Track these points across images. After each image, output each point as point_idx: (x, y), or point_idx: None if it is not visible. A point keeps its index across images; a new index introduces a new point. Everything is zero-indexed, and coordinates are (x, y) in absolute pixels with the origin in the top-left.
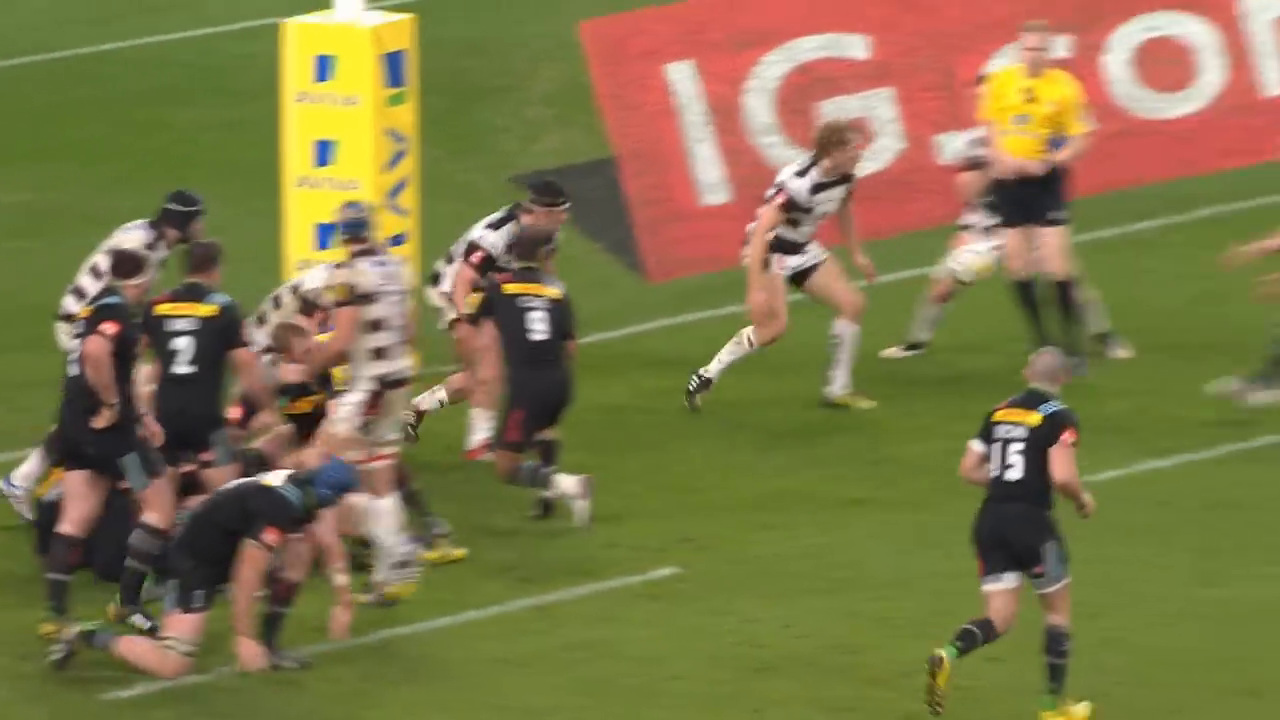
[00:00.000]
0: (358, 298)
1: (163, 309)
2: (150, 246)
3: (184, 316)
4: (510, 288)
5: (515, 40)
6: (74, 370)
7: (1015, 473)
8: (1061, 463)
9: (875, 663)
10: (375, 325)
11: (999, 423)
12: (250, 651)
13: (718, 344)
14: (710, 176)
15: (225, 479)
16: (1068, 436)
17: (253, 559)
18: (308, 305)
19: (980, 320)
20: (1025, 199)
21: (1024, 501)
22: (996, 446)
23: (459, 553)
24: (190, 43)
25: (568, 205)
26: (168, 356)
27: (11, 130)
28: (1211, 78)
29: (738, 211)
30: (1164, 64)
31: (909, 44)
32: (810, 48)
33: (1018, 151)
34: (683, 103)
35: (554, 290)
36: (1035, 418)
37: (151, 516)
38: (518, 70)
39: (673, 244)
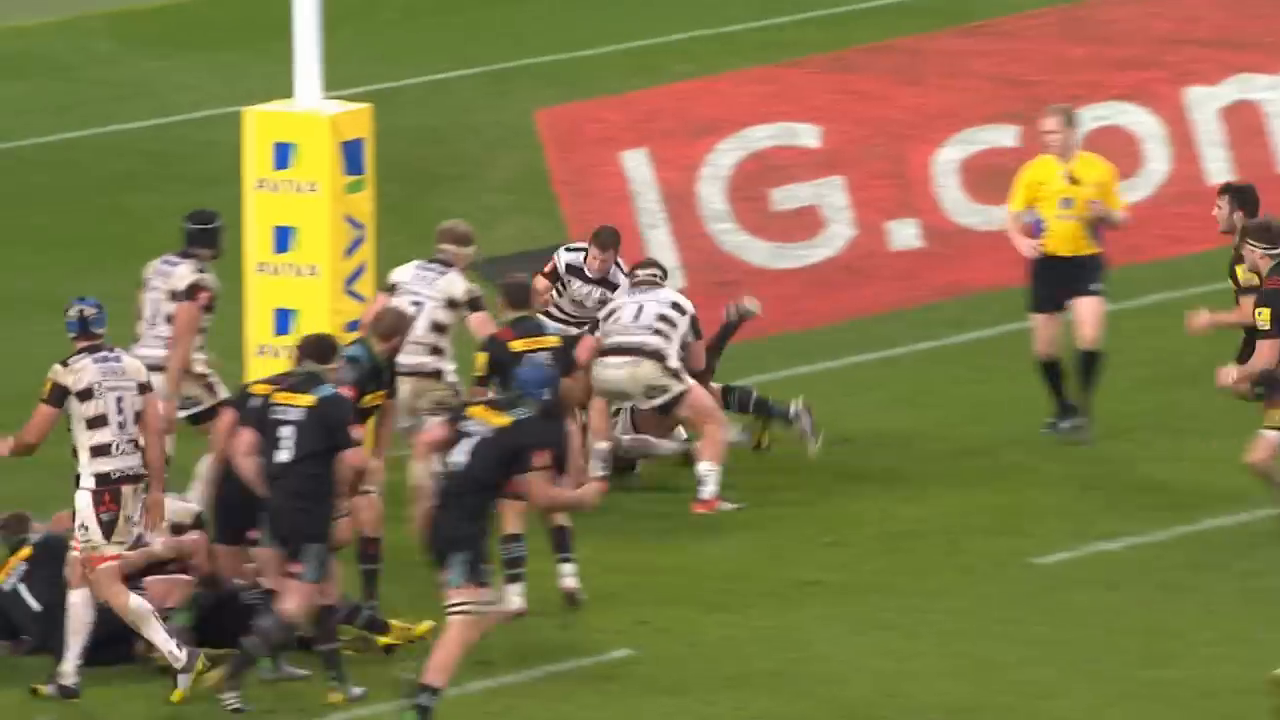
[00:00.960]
0: (75, 393)
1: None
2: (201, 271)
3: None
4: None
5: (470, 128)
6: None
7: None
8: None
9: None
10: (94, 422)
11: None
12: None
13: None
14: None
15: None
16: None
17: (537, 483)
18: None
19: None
20: (1063, 281)
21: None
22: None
23: (422, 627)
24: (151, 131)
25: None
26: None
27: None
28: (1157, 166)
29: (691, 297)
30: (1111, 153)
31: (859, 133)
32: (762, 136)
33: (1064, 236)
34: (637, 189)
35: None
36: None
37: (290, 606)
38: (474, 157)
39: None
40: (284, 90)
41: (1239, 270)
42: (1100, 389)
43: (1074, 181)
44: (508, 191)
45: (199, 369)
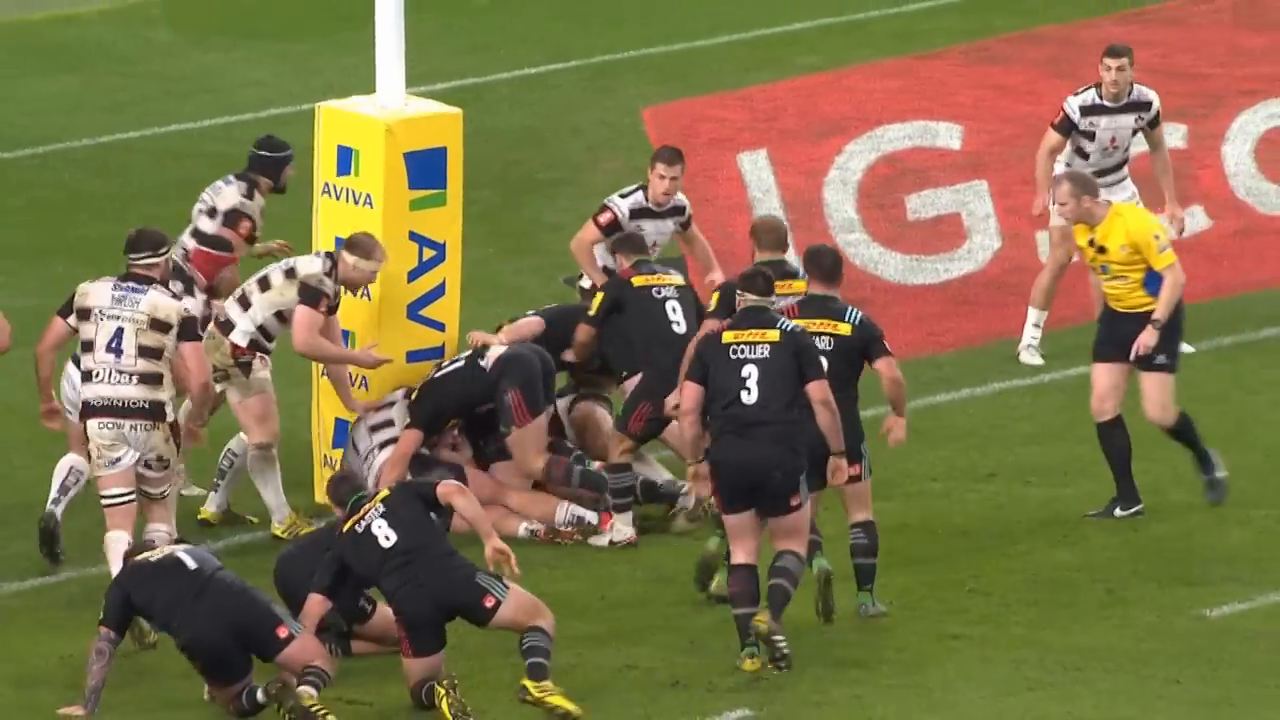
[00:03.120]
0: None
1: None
2: (248, 197)
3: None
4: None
5: (570, 127)
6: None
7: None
8: None
9: None
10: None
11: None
12: None
13: None
14: None
15: None
16: None
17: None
18: (308, 290)
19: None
20: (1126, 335)
21: None
22: None
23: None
24: (216, 131)
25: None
26: None
27: (18, 228)
28: None
29: None
30: None
31: (1005, 132)
32: (897, 136)
33: (1115, 297)
34: (756, 195)
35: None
36: None
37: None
38: (574, 161)
39: None
40: (364, 85)
41: None
42: (1274, 419)
43: (1102, 251)
44: None
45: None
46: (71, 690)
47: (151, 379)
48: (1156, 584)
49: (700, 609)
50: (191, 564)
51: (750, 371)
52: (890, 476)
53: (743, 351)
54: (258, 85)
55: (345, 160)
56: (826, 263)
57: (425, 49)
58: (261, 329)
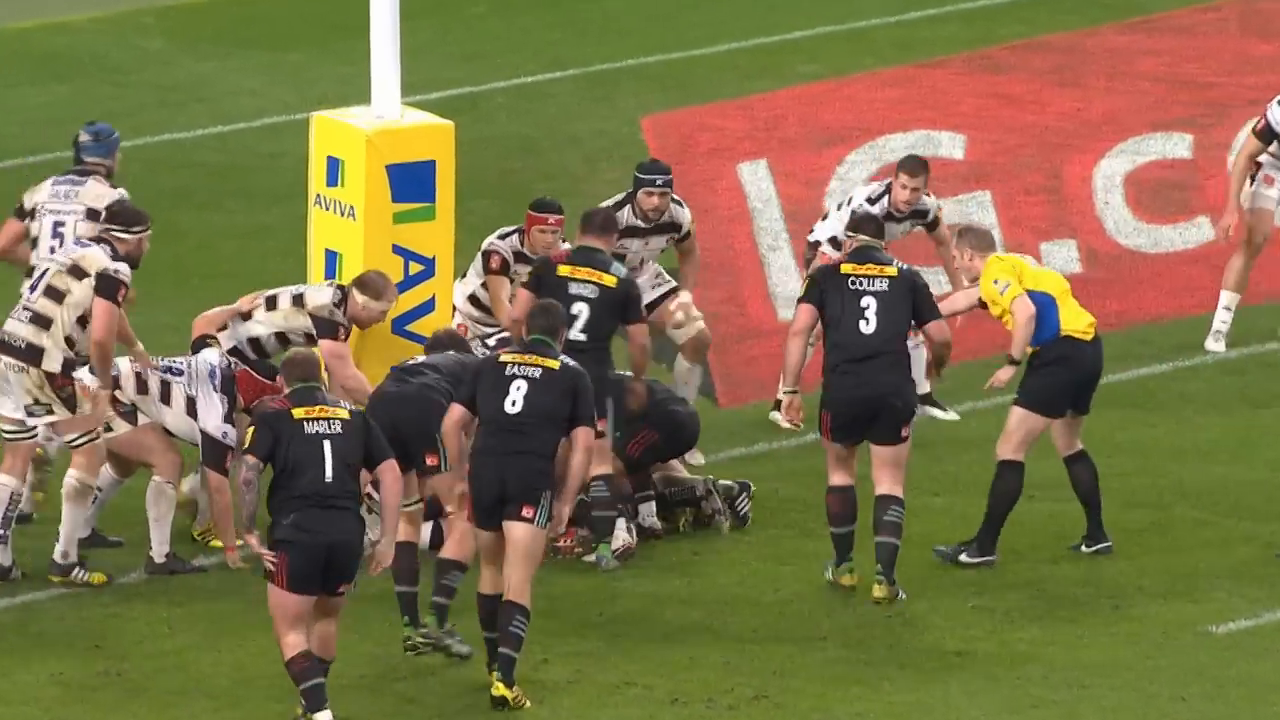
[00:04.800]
0: (26, 208)
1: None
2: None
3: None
4: None
5: (568, 137)
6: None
7: None
8: None
9: None
10: (34, 243)
11: None
12: None
13: (793, 479)
14: (787, 288)
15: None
16: None
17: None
18: (324, 324)
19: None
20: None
21: None
22: None
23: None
24: (209, 140)
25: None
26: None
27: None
28: None
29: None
30: None
31: (1009, 142)
32: (899, 145)
33: None
34: (756, 205)
35: None
36: None
37: None
38: (572, 171)
39: (745, 364)
40: (360, 95)
41: None
42: None
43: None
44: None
45: None
46: (60, 709)
47: (41, 321)
48: (1162, 600)
49: (698, 627)
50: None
51: (870, 303)
52: None
53: (861, 284)
54: (252, 95)
55: (333, 171)
56: (598, 219)
57: (421, 58)
58: (249, 344)
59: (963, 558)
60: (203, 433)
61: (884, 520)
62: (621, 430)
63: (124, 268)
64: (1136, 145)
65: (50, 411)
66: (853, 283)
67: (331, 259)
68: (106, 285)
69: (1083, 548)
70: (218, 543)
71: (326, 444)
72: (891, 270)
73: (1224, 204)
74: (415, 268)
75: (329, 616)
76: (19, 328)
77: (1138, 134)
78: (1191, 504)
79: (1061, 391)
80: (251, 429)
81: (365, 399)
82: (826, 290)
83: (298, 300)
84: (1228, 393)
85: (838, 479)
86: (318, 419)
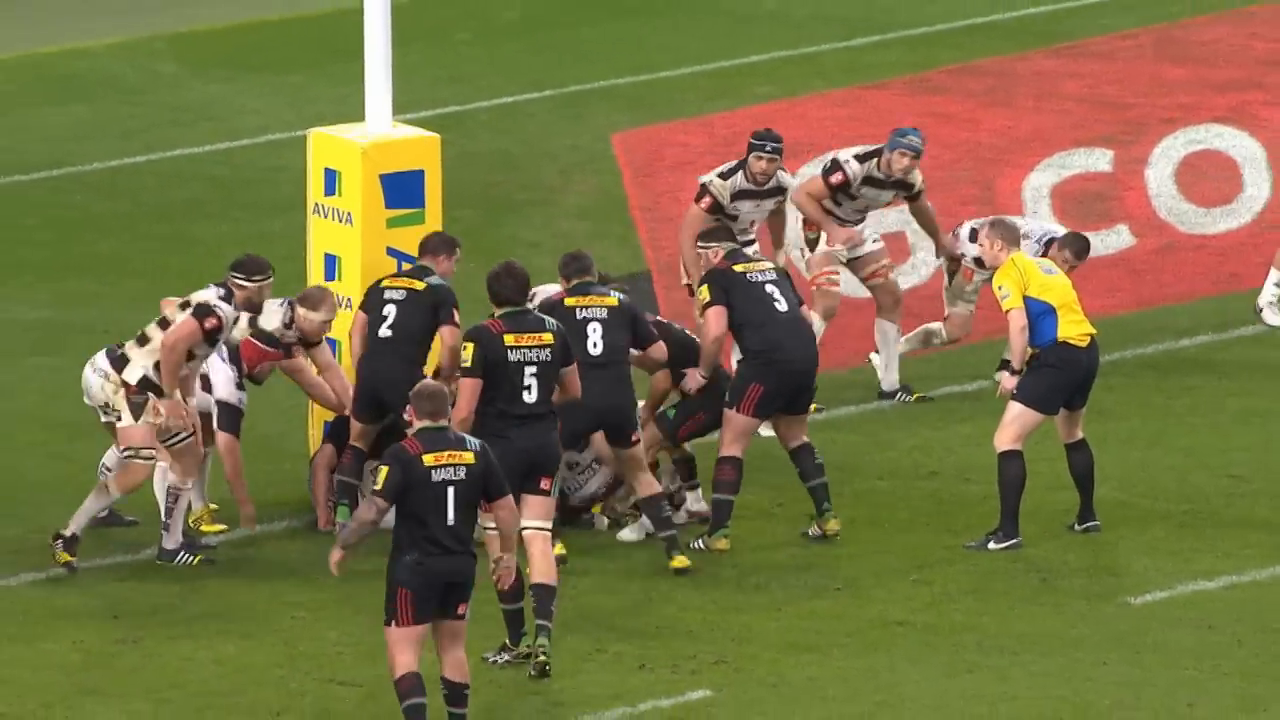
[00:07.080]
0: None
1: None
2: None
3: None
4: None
5: (545, 152)
6: None
7: None
8: None
9: None
10: None
11: None
12: None
13: (753, 468)
14: None
15: None
16: None
17: None
18: (266, 338)
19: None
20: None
21: None
22: None
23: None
24: (217, 156)
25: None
26: None
27: (35, 245)
28: (1256, 191)
29: None
30: (1208, 178)
31: (946, 157)
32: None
33: None
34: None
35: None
36: None
37: None
38: (549, 183)
39: None
40: (354, 113)
41: None
42: (1202, 424)
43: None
44: (583, 218)
45: None
46: (82, 674)
47: (142, 339)
48: (1086, 574)
49: (664, 598)
50: None
51: (772, 291)
52: (841, 475)
53: (758, 277)
54: (256, 113)
55: (331, 181)
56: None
57: (411, 79)
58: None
59: (990, 545)
60: (219, 402)
61: (817, 464)
62: (678, 412)
63: (228, 308)
64: (1062, 160)
65: (119, 419)
66: (751, 277)
67: (331, 262)
68: (199, 309)
69: (1075, 527)
70: (210, 528)
71: (450, 490)
72: (770, 265)
73: (1142, 214)
74: (407, 268)
75: (455, 641)
76: (127, 345)
77: (1063, 149)
78: (1112, 486)
79: (1056, 391)
80: (385, 470)
81: (347, 397)
82: (730, 290)
83: (251, 322)
84: (1145, 386)
85: (737, 451)
86: (445, 465)
